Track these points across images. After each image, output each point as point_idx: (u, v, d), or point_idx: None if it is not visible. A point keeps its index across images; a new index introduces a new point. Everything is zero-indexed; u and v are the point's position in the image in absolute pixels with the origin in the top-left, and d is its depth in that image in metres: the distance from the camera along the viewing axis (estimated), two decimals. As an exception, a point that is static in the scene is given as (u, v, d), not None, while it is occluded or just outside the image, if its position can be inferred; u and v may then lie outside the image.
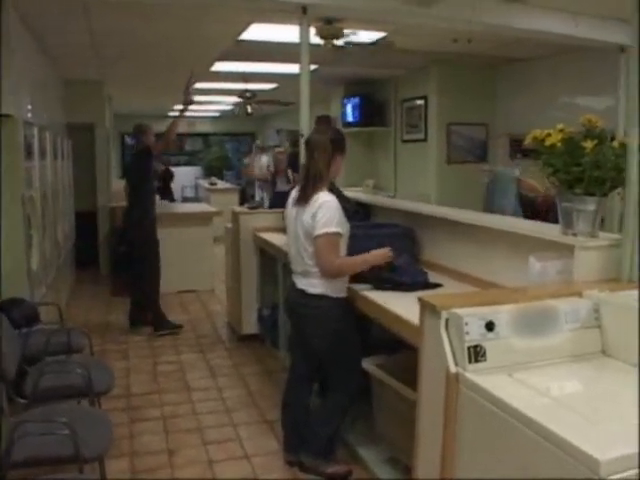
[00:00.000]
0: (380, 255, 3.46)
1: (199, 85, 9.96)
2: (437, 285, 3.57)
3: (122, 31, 6.05)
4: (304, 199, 3.36)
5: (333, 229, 3.24)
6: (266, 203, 6.54)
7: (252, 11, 5.10)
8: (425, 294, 2.62)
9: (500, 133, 8.36)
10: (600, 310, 2.44)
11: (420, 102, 8.69)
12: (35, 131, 5.48)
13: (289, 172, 7.08)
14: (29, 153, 5.16)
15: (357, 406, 3.72)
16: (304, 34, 4.30)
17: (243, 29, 5.85)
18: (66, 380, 3.46)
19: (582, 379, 2.25)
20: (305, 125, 4.40)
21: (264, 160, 11.38)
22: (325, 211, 3.24)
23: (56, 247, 6.61)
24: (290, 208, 3.52)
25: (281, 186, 7.03)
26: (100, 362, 4.14)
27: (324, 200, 3.27)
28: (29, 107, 5.35)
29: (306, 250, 3.36)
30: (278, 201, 6.27)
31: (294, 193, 3.53)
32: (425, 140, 8.58)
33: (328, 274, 3.33)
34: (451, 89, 8.21)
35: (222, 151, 18.39)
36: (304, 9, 4.20)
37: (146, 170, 6.41)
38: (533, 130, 2.96)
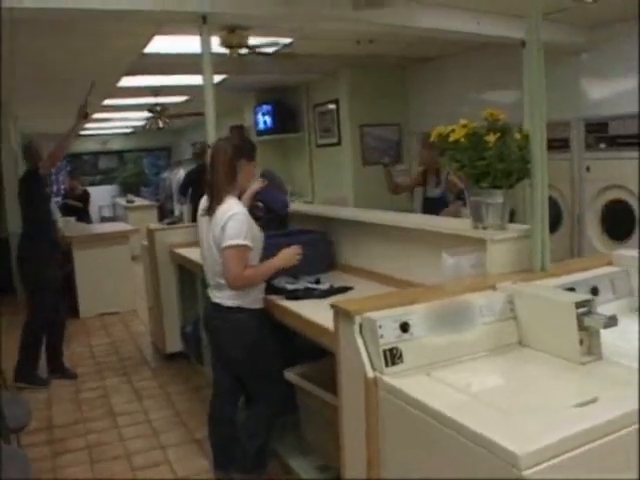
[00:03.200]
0: (289, 254, 3.41)
1: (109, 102, 9.76)
2: (347, 289, 3.54)
3: (21, 48, 5.83)
4: (211, 208, 3.28)
5: (240, 241, 3.16)
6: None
7: (153, 23, 4.99)
8: (338, 299, 2.59)
9: (413, 132, 8.46)
10: (514, 301, 2.46)
11: (332, 106, 8.71)
12: None
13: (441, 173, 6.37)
14: None
15: (285, 417, 3.67)
16: (205, 44, 4.23)
17: (147, 42, 5.73)
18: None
19: (500, 372, 2.26)
20: (212, 136, 4.32)
21: (181, 174, 11.20)
22: (233, 223, 3.16)
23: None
24: (200, 218, 3.44)
25: (430, 190, 6.39)
26: (14, 396, 3.95)
27: (233, 212, 3.19)
28: None
29: (218, 263, 3.28)
30: (430, 208, 5.79)
31: (203, 203, 3.45)
32: (339, 144, 8.61)
33: (234, 286, 3.25)
34: (362, 91, 8.25)
35: (138, 167, 18.07)
36: (204, 18, 4.13)
37: (33, 194, 5.58)
38: (437, 127, 2.98)
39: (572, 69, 6.18)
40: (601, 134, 6.04)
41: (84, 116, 5.67)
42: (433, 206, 5.63)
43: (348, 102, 8.31)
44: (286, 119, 9.59)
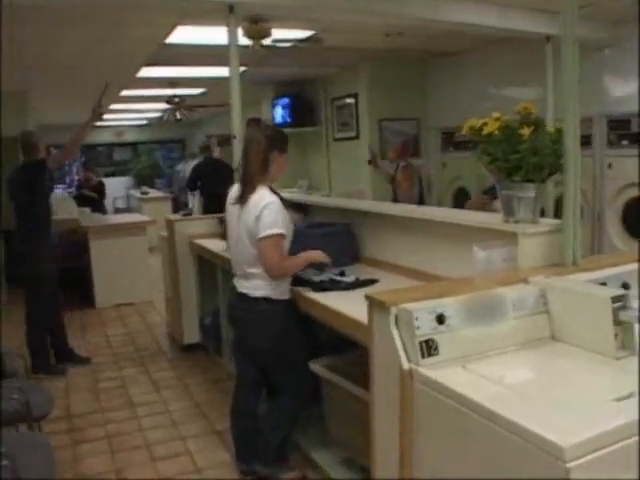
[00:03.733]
0: (316, 254, 3.43)
1: (126, 92, 9.77)
2: (373, 281, 3.52)
3: (43, 38, 5.83)
4: (243, 198, 3.27)
5: (277, 230, 3.17)
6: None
7: (177, 12, 4.98)
8: (366, 291, 2.56)
9: (431, 127, 8.43)
10: (547, 295, 2.44)
11: (350, 100, 8.69)
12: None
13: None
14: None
15: (308, 409, 3.65)
16: (232, 34, 4.21)
17: (169, 32, 5.72)
18: (2, 406, 3.28)
19: (535, 365, 2.25)
20: (237, 127, 4.31)
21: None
22: (269, 212, 3.17)
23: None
24: (230, 207, 3.43)
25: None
26: (37, 385, 3.95)
27: (268, 202, 3.19)
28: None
29: (249, 252, 3.28)
30: None
31: (233, 192, 3.43)
32: (357, 138, 8.59)
33: (274, 275, 3.26)
34: (381, 85, 8.23)
35: (152, 159, 18.10)
36: (231, 8, 4.11)
37: (38, 186, 5.44)
38: (468, 120, 2.95)
39: (595, 65, 6.13)
40: (623, 131, 6.00)
41: (98, 116, 5.66)
42: None
43: (367, 96, 8.29)
44: (304, 112, 9.58)
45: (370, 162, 7.14)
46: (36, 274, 5.53)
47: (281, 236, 3.21)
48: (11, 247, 6.77)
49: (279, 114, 9.73)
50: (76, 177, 17.52)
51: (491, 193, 4.38)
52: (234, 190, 3.43)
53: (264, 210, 3.17)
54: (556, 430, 1.63)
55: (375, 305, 2.32)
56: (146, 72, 7.92)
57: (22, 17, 4.93)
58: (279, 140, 3.38)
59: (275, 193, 3.32)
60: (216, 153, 8.92)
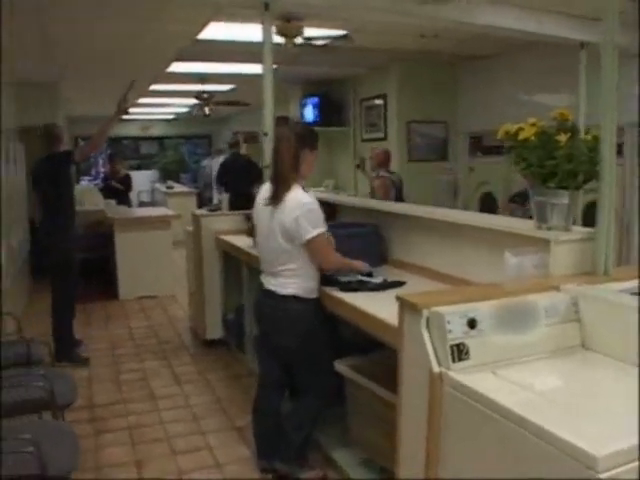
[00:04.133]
0: (361, 265, 3.54)
1: (155, 87, 9.82)
2: (401, 283, 3.51)
3: (77, 31, 5.88)
4: (276, 198, 3.26)
5: (321, 229, 3.23)
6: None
7: (212, 9, 4.99)
8: (394, 293, 2.55)
9: (460, 131, 8.39)
10: (578, 304, 2.42)
11: (379, 101, 8.68)
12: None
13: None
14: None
15: (330, 409, 3.64)
16: (267, 32, 4.21)
17: (202, 28, 5.74)
18: (27, 394, 3.30)
19: (565, 373, 2.23)
20: (269, 124, 4.32)
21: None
22: (311, 214, 3.20)
23: (10, 255, 6.40)
24: (261, 207, 3.41)
25: None
26: (62, 373, 3.97)
27: (307, 201, 3.21)
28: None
29: (282, 249, 3.28)
30: None
31: (264, 190, 3.43)
32: (385, 139, 8.57)
33: (329, 269, 3.42)
34: (411, 87, 8.21)
35: (178, 154, 18.18)
36: (266, 5, 4.11)
37: (62, 177, 5.56)
38: (497, 126, 2.93)
39: (626, 73, 6.04)
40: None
41: (123, 110, 5.69)
42: None
43: (396, 97, 8.28)
44: (332, 112, 9.57)
45: (358, 166, 7.25)
46: (61, 263, 5.61)
47: (325, 233, 3.27)
48: (36, 238, 6.86)
49: (308, 113, 9.72)
50: (102, 169, 17.67)
51: (518, 201, 4.37)
52: (265, 189, 3.43)
53: (306, 213, 3.19)
54: (587, 439, 1.62)
55: (406, 307, 2.31)
56: (176, 67, 7.96)
57: (56, 12, 4.98)
58: (310, 138, 3.39)
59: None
60: (243, 150, 8.94)
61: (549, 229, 2.84)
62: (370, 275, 3.59)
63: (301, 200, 3.21)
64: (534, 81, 7.15)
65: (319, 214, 3.24)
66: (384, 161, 7.14)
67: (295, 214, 3.18)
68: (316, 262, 3.32)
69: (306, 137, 3.36)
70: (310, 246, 3.23)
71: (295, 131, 3.35)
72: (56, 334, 5.64)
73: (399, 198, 6.78)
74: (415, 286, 3.42)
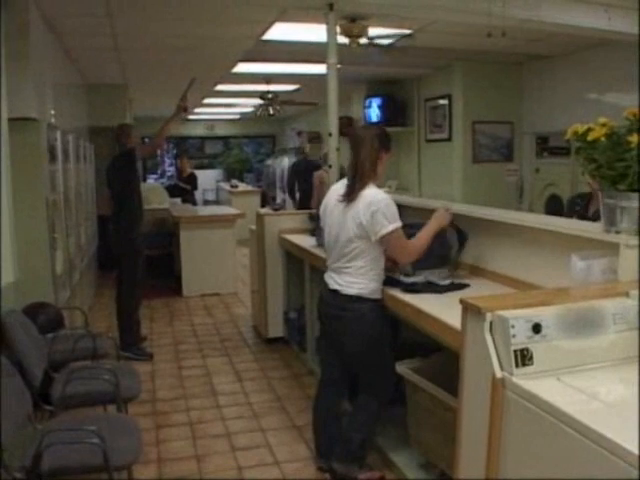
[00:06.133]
0: (442, 214, 3.54)
1: (220, 87, 9.94)
2: (464, 286, 3.49)
3: (145, 33, 6.02)
4: (352, 195, 3.30)
5: (398, 223, 3.25)
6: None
7: (277, 10, 5.02)
8: (456, 295, 2.52)
9: (526, 131, 8.25)
10: (648, 311, 2.33)
11: (443, 101, 8.58)
12: (58, 134, 5.44)
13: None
14: (53, 157, 5.12)
15: (389, 410, 3.63)
16: (331, 32, 4.22)
17: (267, 29, 5.78)
18: (93, 386, 3.40)
19: (633, 383, 2.14)
20: (333, 124, 4.33)
21: (285, 162, 11.32)
22: (387, 209, 3.22)
23: (79, 251, 6.58)
24: (333, 204, 3.45)
25: None
26: (127, 367, 4.07)
27: (383, 197, 3.25)
28: (52, 111, 5.31)
29: (353, 246, 3.30)
30: None
31: (337, 188, 3.47)
32: (449, 140, 8.47)
33: (409, 261, 3.47)
34: (476, 87, 8.09)
35: (242, 153, 18.37)
36: (331, 6, 4.12)
37: (131, 174, 5.82)
38: (563, 126, 2.86)
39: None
40: None
41: (183, 109, 5.85)
42: None
43: (461, 97, 8.16)
44: (396, 112, 9.50)
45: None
46: (128, 254, 5.84)
47: (400, 227, 3.27)
48: (106, 232, 7.07)
49: (372, 113, 9.69)
50: (168, 168, 18.00)
51: (580, 203, 4.28)
52: (337, 187, 3.49)
53: (383, 206, 3.21)
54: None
55: (470, 310, 2.27)
56: (241, 68, 8.04)
57: (121, 12, 5.10)
58: (387, 140, 3.44)
59: None
60: (307, 149, 9.00)
61: (618, 233, 2.75)
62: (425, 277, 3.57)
63: (377, 196, 3.25)
64: (602, 81, 6.95)
65: (395, 209, 3.26)
66: None
67: (372, 209, 3.20)
68: (396, 256, 3.38)
69: (384, 139, 3.41)
70: (388, 240, 3.25)
71: (376, 133, 3.40)
72: (121, 324, 5.85)
73: None
74: (479, 289, 3.39)
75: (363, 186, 3.28)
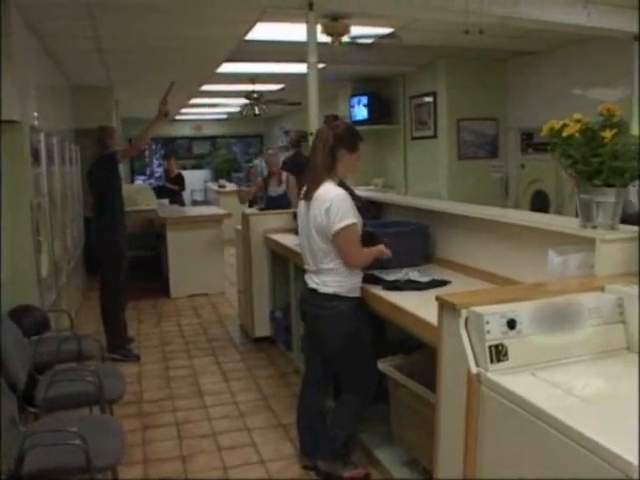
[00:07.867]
0: (381, 251, 3.47)
1: (206, 87, 9.94)
2: (445, 282, 3.49)
3: (128, 35, 6.02)
4: (309, 192, 3.29)
5: (350, 220, 3.18)
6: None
7: (257, 9, 5.03)
8: (437, 292, 2.54)
9: (511, 127, 8.28)
10: (624, 305, 2.35)
11: (429, 99, 8.61)
12: (42, 137, 5.42)
13: (283, 174, 6.91)
14: (36, 159, 5.10)
15: (373, 407, 3.64)
16: (311, 31, 4.23)
17: (249, 29, 5.79)
18: (77, 388, 3.40)
19: (608, 377, 2.16)
20: (314, 124, 4.33)
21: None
22: (338, 204, 3.17)
23: (65, 253, 6.56)
24: (300, 203, 3.45)
25: (272, 190, 6.89)
26: (111, 369, 4.07)
27: (334, 194, 3.20)
28: (35, 113, 5.30)
29: (319, 247, 3.29)
30: (271, 206, 6.34)
31: (304, 188, 3.46)
32: (435, 137, 8.51)
33: (354, 265, 3.31)
34: (460, 84, 8.14)
35: (230, 153, 18.35)
36: (310, 5, 4.13)
37: (111, 177, 5.77)
38: (548, 122, 2.87)
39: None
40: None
41: (164, 114, 5.79)
42: (275, 203, 6.57)
43: (446, 94, 8.20)
44: (381, 110, 9.53)
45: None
46: (110, 255, 5.81)
47: (354, 225, 3.22)
48: (91, 234, 7.07)
49: (359, 111, 9.70)
50: (156, 169, 17.94)
51: None
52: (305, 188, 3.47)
53: (333, 203, 3.17)
54: (629, 447, 1.56)
55: (445, 307, 2.29)
56: (226, 68, 8.05)
57: (104, 15, 5.10)
58: (349, 139, 3.34)
59: (343, 187, 3.32)
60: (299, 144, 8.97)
61: (594, 228, 2.78)
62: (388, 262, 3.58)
63: (329, 193, 3.21)
64: (586, 76, 7.00)
65: (348, 204, 3.20)
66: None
67: (325, 206, 3.18)
68: (342, 256, 3.26)
69: (344, 138, 3.32)
70: (335, 238, 3.21)
71: (334, 131, 3.32)
72: (107, 326, 5.85)
73: None
74: (459, 285, 3.41)
75: (317, 185, 3.25)
